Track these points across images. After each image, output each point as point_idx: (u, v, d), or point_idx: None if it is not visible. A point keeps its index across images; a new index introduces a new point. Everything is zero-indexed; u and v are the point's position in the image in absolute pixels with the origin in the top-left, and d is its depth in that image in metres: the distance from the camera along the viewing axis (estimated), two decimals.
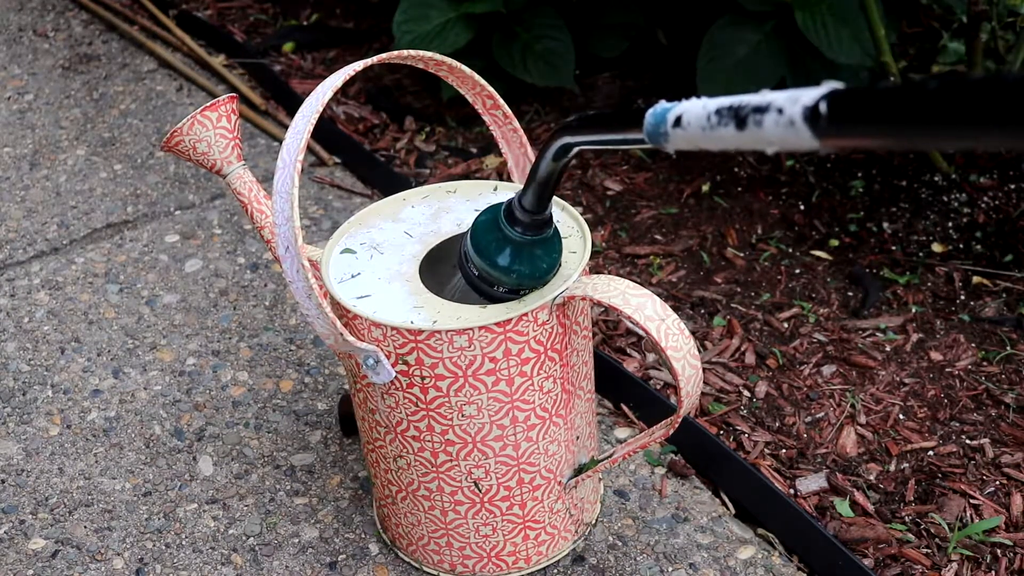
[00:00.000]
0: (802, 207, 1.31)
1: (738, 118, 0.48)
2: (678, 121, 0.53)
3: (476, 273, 0.74)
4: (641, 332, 1.11)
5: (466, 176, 1.41)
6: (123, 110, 1.59)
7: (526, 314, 0.72)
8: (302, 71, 1.68)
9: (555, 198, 0.83)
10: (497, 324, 0.71)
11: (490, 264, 0.73)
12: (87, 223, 1.34)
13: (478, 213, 0.76)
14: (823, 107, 0.42)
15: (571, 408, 0.80)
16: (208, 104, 0.81)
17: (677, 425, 0.77)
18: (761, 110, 0.46)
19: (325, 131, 1.48)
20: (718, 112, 0.49)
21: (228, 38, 1.74)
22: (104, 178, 1.43)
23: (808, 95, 0.43)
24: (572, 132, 0.66)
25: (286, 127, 1.53)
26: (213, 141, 0.82)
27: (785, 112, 0.44)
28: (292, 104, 1.56)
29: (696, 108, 0.51)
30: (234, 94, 0.84)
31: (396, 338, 0.73)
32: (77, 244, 1.31)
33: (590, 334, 0.82)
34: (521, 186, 0.85)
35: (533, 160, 0.83)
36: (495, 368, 0.73)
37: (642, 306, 0.72)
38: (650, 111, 0.56)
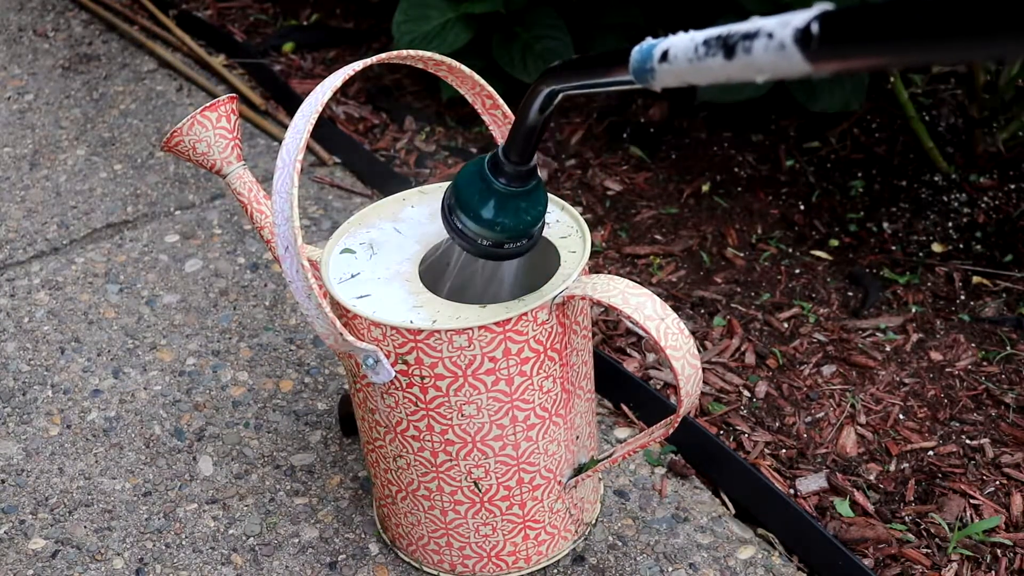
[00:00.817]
0: (802, 207, 1.31)
1: (727, 47, 0.46)
2: (664, 56, 0.52)
3: (459, 225, 0.73)
4: (641, 332, 1.11)
5: None
6: (123, 110, 1.59)
7: (525, 313, 0.72)
8: (302, 71, 1.68)
9: (555, 198, 0.83)
10: (496, 324, 0.71)
11: (474, 217, 0.72)
12: (87, 223, 1.34)
13: (464, 165, 0.74)
14: (815, 27, 0.41)
15: (571, 408, 0.80)
16: (208, 104, 0.81)
17: (677, 425, 0.77)
18: (750, 36, 0.45)
19: (325, 131, 1.48)
20: (706, 43, 0.48)
21: (228, 38, 1.74)
22: (104, 178, 1.43)
23: (799, 17, 0.42)
24: (556, 78, 0.65)
25: (286, 127, 1.53)
26: (213, 141, 0.82)
27: (775, 36, 0.43)
28: (292, 104, 1.56)
29: (683, 41, 0.50)
30: (234, 94, 0.84)
31: (396, 338, 0.73)
32: (77, 244, 1.31)
33: (590, 334, 0.82)
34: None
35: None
36: (495, 368, 0.73)
37: (641, 305, 0.72)
38: (636, 48, 0.54)
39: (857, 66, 0.41)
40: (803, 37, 0.42)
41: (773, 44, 0.43)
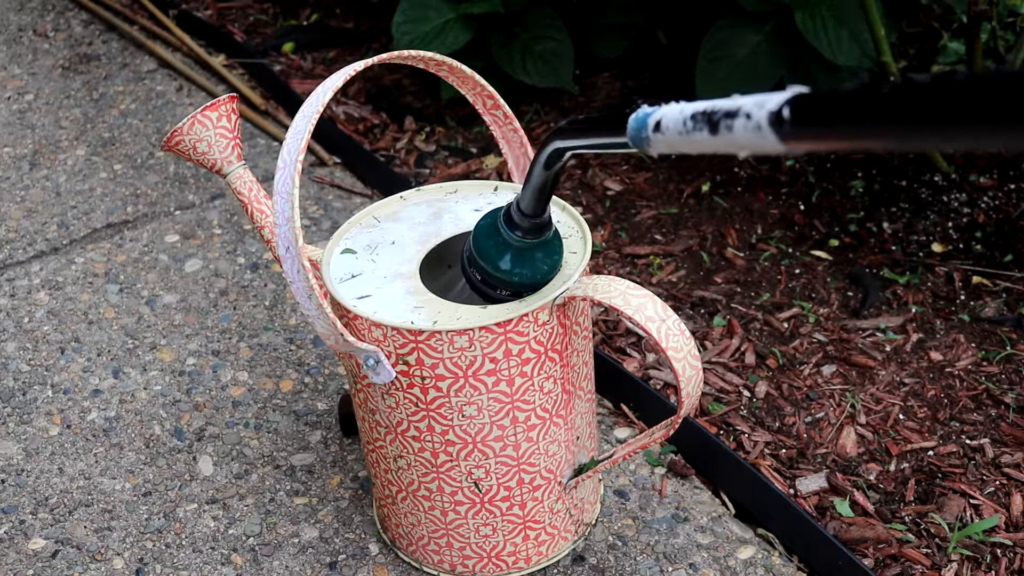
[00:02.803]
0: (802, 207, 1.31)
1: (711, 123, 0.48)
2: (657, 126, 0.54)
3: (479, 277, 0.75)
4: (642, 332, 1.11)
5: (466, 176, 1.41)
6: (123, 110, 1.59)
7: (527, 314, 0.72)
8: (302, 71, 1.68)
9: (555, 198, 0.83)
10: (497, 324, 0.71)
11: (492, 268, 0.74)
12: (87, 223, 1.34)
13: (480, 217, 0.76)
14: (786, 112, 0.43)
15: (571, 408, 0.80)
16: (208, 104, 0.81)
17: (677, 426, 0.77)
18: (732, 115, 0.47)
19: (325, 131, 1.48)
20: (693, 117, 0.50)
21: (228, 38, 1.74)
22: (104, 178, 1.43)
23: (773, 99, 0.44)
24: (563, 137, 0.67)
25: (286, 127, 1.53)
26: (213, 141, 0.82)
27: (752, 117, 0.45)
28: (292, 104, 1.56)
29: (674, 113, 0.52)
30: (234, 94, 0.84)
31: (396, 338, 0.73)
32: (77, 244, 1.31)
33: (590, 334, 0.82)
34: (519, 185, 0.86)
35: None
36: (495, 368, 0.73)
37: (642, 307, 0.72)
38: (632, 116, 0.56)
39: (828, 147, 0.42)
40: (776, 120, 0.44)
41: (751, 124, 0.45)
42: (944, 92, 0.36)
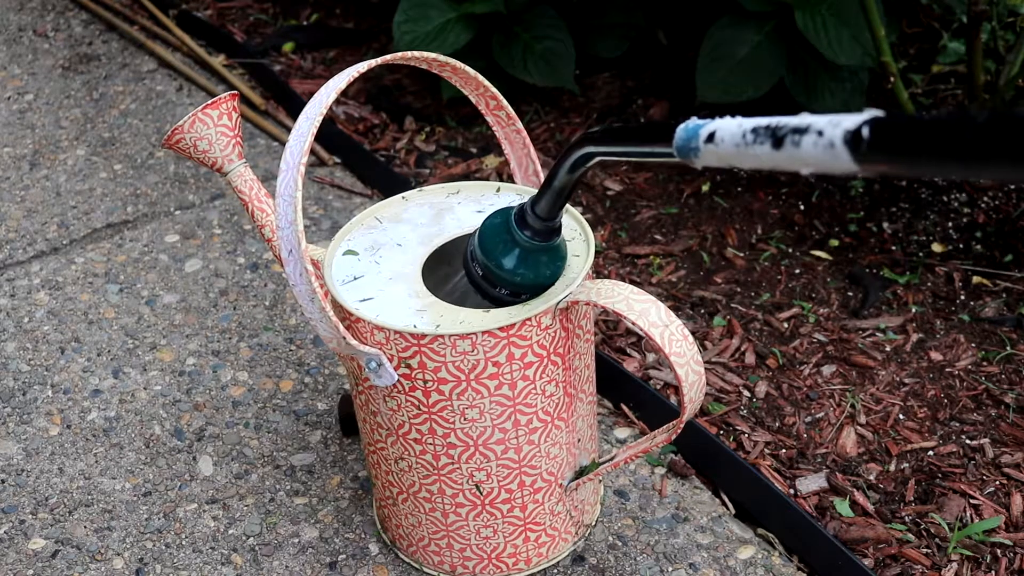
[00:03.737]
0: (802, 207, 1.31)
1: (775, 137, 0.48)
2: (711, 137, 0.53)
3: (480, 272, 0.75)
4: (645, 337, 1.11)
5: (466, 176, 1.41)
6: (123, 110, 1.59)
7: (529, 318, 0.72)
8: (302, 71, 1.68)
9: None
10: (501, 328, 0.71)
11: (496, 265, 0.74)
12: (87, 223, 1.34)
13: (489, 214, 0.76)
14: (865, 131, 0.43)
15: (573, 411, 0.80)
16: (209, 102, 0.81)
17: (680, 430, 0.77)
18: (800, 131, 0.47)
19: (325, 131, 1.48)
20: (755, 131, 0.50)
21: (228, 38, 1.74)
22: (104, 178, 1.43)
23: (851, 120, 0.44)
24: (595, 142, 0.66)
25: (286, 127, 1.53)
26: (214, 139, 0.82)
27: (825, 134, 0.45)
28: (292, 104, 1.56)
29: (731, 126, 0.52)
30: (235, 92, 0.84)
31: (399, 342, 0.73)
32: (77, 244, 1.31)
33: (592, 337, 0.82)
34: (521, 185, 0.86)
35: (536, 161, 0.83)
36: (498, 372, 0.73)
37: (646, 312, 0.72)
38: (681, 126, 0.56)
39: (903, 172, 0.42)
40: (853, 139, 0.44)
41: (823, 141, 0.45)
42: None
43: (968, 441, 0.99)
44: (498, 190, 0.86)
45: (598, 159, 0.67)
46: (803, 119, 0.47)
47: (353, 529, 0.93)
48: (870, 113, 0.43)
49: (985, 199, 1.29)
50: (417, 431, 0.77)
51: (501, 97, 0.81)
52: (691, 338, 0.72)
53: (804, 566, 0.88)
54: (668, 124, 0.57)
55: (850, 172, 0.45)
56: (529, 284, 0.74)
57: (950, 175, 0.40)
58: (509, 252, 0.73)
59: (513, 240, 0.73)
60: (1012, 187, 1.31)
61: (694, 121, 0.55)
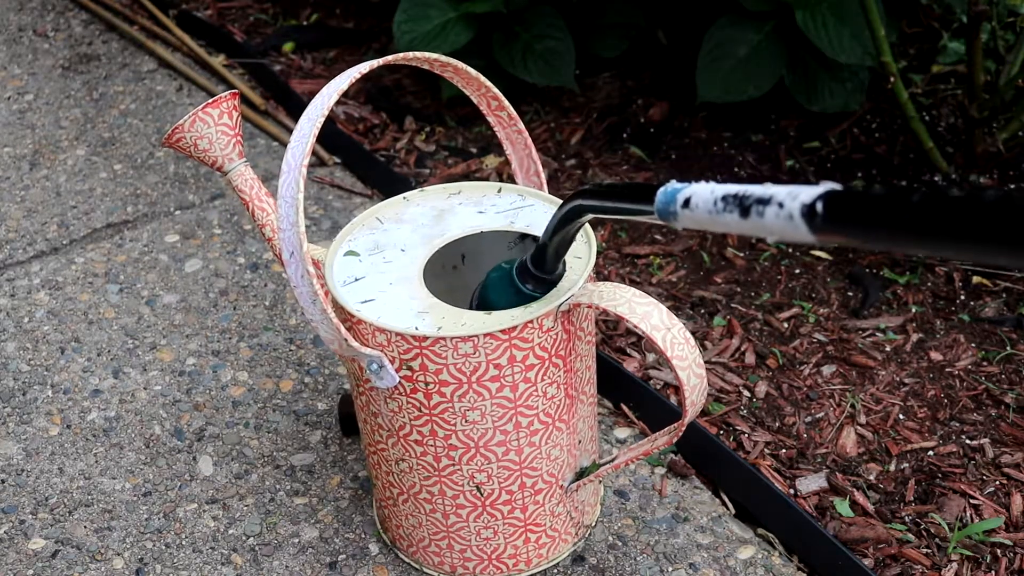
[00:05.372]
0: None
1: (742, 207, 0.50)
2: (687, 203, 0.55)
3: None
4: (647, 340, 1.11)
5: (466, 176, 1.41)
6: (123, 110, 1.59)
7: (531, 321, 0.72)
8: (302, 71, 1.68)
9: (559, 201, 0.83)
10: (502, 331, 0.71)
11: None
12: (87, 223, 1.34)
13: (490, 269, 0.78)
14: (819, 206, 0.45)
15: (574, 413, 0.80)
16: (210, 101, 0.81)
17: (681, 433, 0.77)
18: (763, 202, 0.48)
19: (325, 131, 1.48)
20: (724, 199, 0.52)
21: (228, 38, 1.73)
22: (104, 178, 1.43)
23: (807, 193, 0.45)
24: (587, 197, 0.68)
25: (286, 127, 1.53)
26: (215, 138, 0.82)
27: (785, 206, 0.47)
28: (292, 104, 1.56)
29: (704, 192, 0.54)
30: (235, 91, 0.84)
31: (400, 344, 0.72)
32: (77, 244, 1.31)
33: (593, 339, 0.82)
34: (523, 186, 0.86)
35: (537, 161, 0.83)
36: (499, 374, 0.73)
37: (648, 315, 0.71)
38: (661, 189, 0.58)
39: (858, 244, 0.44)
40: (809, 212, 0.45)
41: (783, 213, 0.47)
42: (972, 208, 0.37)
43: (968, 441, 0.99)
44: (499, 190, 0.86)
45: (591, 215, 0.69)
46: (767, 189, 0.48)
47: (353, 529, 0.93)
48: (826, 186, 0.45)
49: None
50: (418, 432, 0.77)
51: (503, 97, 0.81)
52: (693, 341, 0.72)
53: (804, 566, 0.88)
54: (651, 187, 0.59)
55: (809, 242, 0.46)
56: None
57: (902, 250, 0.41)
58: (514, 306, 0.75)
59: (518, 293, 0.75)
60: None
61: (673, 185, 0.57)
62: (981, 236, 0.36)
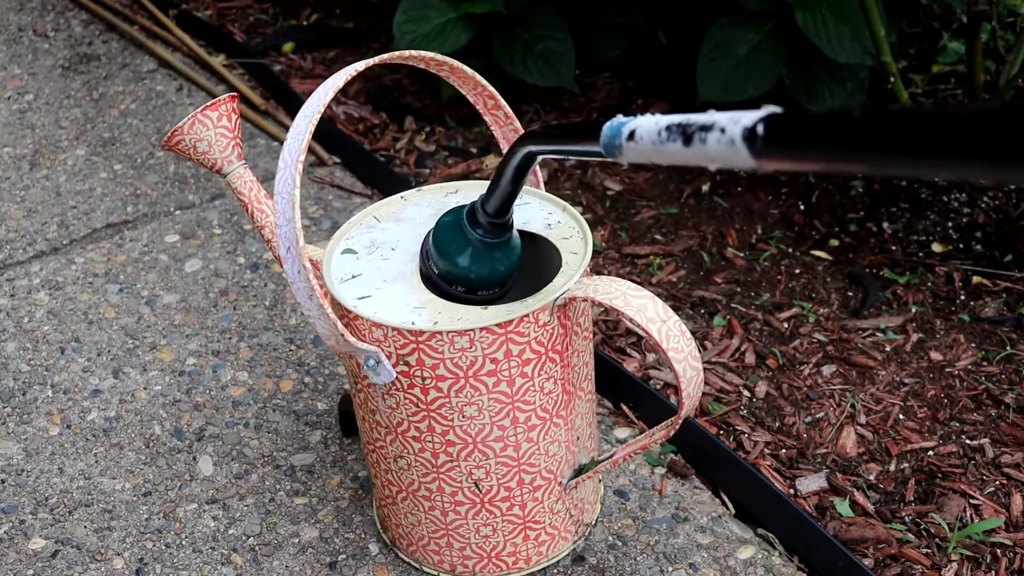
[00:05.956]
0: (802, 207, 1.31)
1: (685, 135, 0.50)
2: (632, 135, 0.55)
3: (436, 271, 0.76)
4: (643, 333, 1.11)
5: (466, 176, 1.41)
6: (123, 110, 1.59)
7: (527, 315, 0.72)
8: (302, 71, 1.68)
9: (555, 198, 0.83)
10: (498, 325, 0.71)
11: (451, 264, 0.75)
12: (87, 223, 1.34)
13: (443, 212, 0.78)
14: (760, 128, 0.45)
15: (572, 409, 0.80)
16: (209, 103, 0.81)
17: (678, 427, 0.77)
18: (706, 128, 0.48)
19: (325, 131, 1.48)
20: (668, 128, 0.52)
21: (228, 38, 1.74)
22: (104, 178, 1.43)
23: (748, 116, 0.45)
24: (535, 141, 0.69)
25: (286, 127, 1.53)
26: (214, 140, 0.82)
27: (727, 131, 0.47)
28: (292, 104, 1.56)
29: (649, 123, 0.54)
30: (234, 93, 0.84)
31: (397, 339, 0.73)
32: (77, 244, 1.31)
33: (591, 335, 0.82)
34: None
35: None
36: (496, 369, 0.73)
37: (643, 308, 0.72)
38: (607, 124, 0.58)
39: (799, 167, 0.44)
40: (750, 135, 0.45)
41: (725, 138, 0.47)
42: (912, 123, 0.37)
43: (968, 441, 0.99)
44: None
45: (540, 157, 0.69)
46: (709, 116, 0.48)
47: (353, 529, 0.93)
48: (767, 110, 0.45)
49: (985, 199, 1.29)
50: (416, 429, 0.77)
51: (499, 96, 0.81)
52: (688, 334, 0.72)
53: (804, 566, 0.88)
54: (597, 122, 0.59)
55: (750, 168, 0.46)
56: (484, 281, 0.75)
57: (844, 169, 0.41)
58: (462, 251, 0.75)
59: (466, 239, 0.75)
60: (1012, 187, 1.30)
61: (618, 119, 0.57)
62: (920, 148, 0.37)
